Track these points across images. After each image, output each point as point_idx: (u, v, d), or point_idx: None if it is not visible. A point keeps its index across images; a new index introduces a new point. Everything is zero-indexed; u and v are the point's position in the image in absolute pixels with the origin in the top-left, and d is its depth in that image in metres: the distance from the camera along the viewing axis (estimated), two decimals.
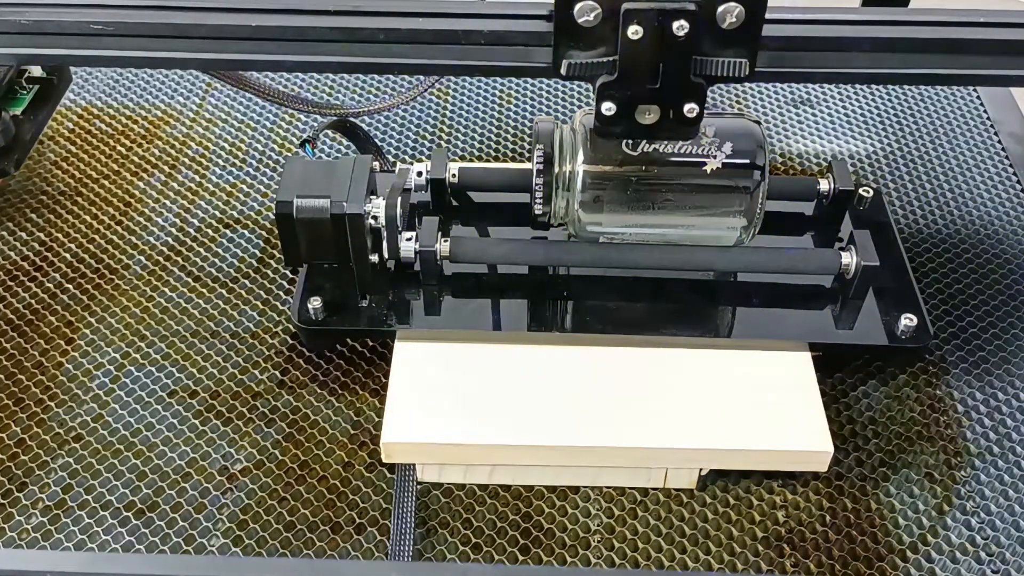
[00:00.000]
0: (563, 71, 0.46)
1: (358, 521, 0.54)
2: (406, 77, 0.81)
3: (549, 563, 0.52)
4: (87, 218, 0.70)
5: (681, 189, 0.58)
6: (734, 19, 0.44)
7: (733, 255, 0.61)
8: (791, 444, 0.54)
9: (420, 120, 0.79)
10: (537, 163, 0.57)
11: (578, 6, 0.43)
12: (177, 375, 0.60)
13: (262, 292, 0.65)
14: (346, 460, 0.56)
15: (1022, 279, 0.67)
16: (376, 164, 0.60)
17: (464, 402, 0.55)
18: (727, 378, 0.57)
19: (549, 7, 0.45)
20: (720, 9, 0.43)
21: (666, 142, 0.57)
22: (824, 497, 0.55)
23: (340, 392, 0.60)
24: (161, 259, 0.67)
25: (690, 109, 0.47)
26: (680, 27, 0.43)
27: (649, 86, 0.46)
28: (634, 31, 0.44)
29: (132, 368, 0.61)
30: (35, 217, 0.70)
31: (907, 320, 0.58)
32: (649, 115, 0.47)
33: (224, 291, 0.65)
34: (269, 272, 0.66)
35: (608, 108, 0.47)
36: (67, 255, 0.67)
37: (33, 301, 0.64)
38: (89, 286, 0.65)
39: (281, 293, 0.65)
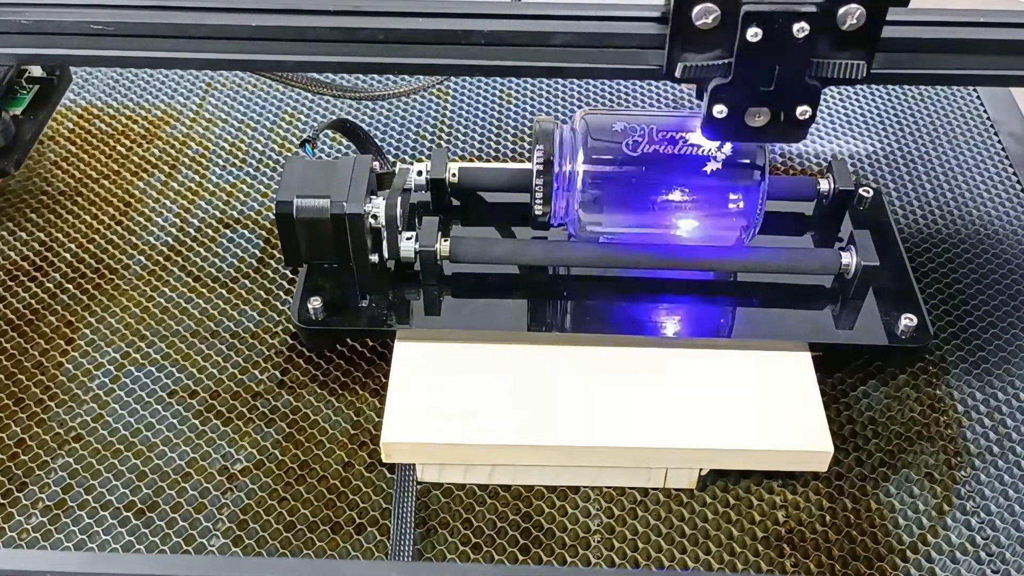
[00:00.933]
0: (678, 74, 0.45)
1: (358, 521, 0.54)
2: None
3: (549, 563, 0.52)
4: (87, 218, 0.70)
5: (681, 189, 0.58)
6: (855, 20, 0.43)
7: (733, 255, 0.61)
8: (791, 444, 0.54)
9: (420, 120, 0.79)
10: (537, 163, 0.58)
11: (697, 8, 0.43)
12: (177, 375, 0.60)
13: (262, 292, 0.65)
14: (346, 460, 0.56)
15: (1022, 279, 0.67)
16: (376, 164, 0.60)
17: (464, 402, 0.55)
18: (727, 378, 0.57)
19: (662, 8, 0.44)
20: (841, 11, 0.43)
21: (667, 142, 0.57)
22: (824, 497, 0.55)
23: (340, 392, 0.60)
24: (161, 259, 0.67)
25: (803, 112, 0.46)
26: (800, 29, 0.43)
27: (763, 88, 0.45)
28: (753, 33, 0.43)
29: (132, 368, 0.61)
30: (35, 217, 0.70)
31: (907, 320, 0.58)
32: (759, 117, 0.46)
33: (224, 291, 0.65)
34: (269, 272, 0.66)
35: (720, 111, 0.46)
36: (67, 255, 0.67)
37: (33, 301, 0.64)
38: (89, 286, 0.65)
39: (281, 293, 0.65)
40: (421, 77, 0.74)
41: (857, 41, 0.44)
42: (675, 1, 0.43)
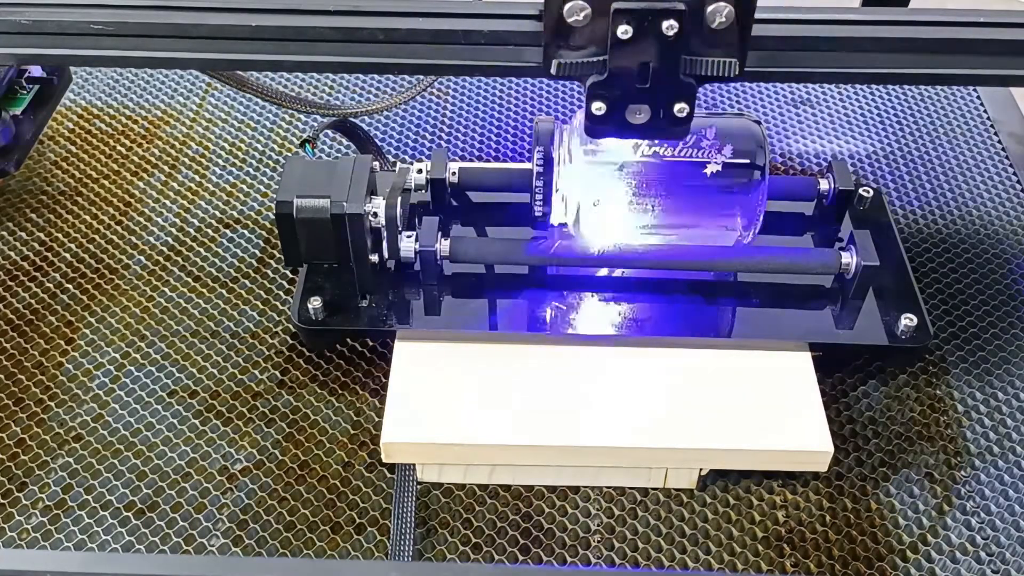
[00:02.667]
0: (553, 71, 0.46)
1: (358, 521, 0.54)
2: (405, 77, 0.81)
3: (549, 563, 0.52)
4: (87, 218, 0.70)
5: (681, 189, 0.58)
6: (723, 19, 0.43)
7: (733, 255, 0.61)
8: (791, 444, 0.54)
9: (420, 120, 0.79)
10: (537, 163, 0.57)
11: (568, 6, 0.43)
12: (177, 375, 0.60)
13: (262, 292, 0.65)
14: (346, 460, 0.56)
15: (1022, 279, 0.67)
16: (376, 164, 0.60)
17: (464, 402, 0.55)
18: (727, 378, 0.57)
19: (540, 7, 0.45)
20: (709, 9, 0.43)
21: (667, 142, 0.57)
22: (824, 497, 0.55)
23: (340, 392, 0.60)
24: (161, 259, 0.67)
25: (680, 109, 0.47)
26: (669, 27, 0.43)
27: (639, 86, 0.46)
28: (623, 31, 0.43)
29: (132, 368, 0.61)
30: (35, 217, 0.70)
31: (907, 320, 0.58)
32: (640, 115, 0.47)
33: (224, 291, 0.65)
34: (269, 272, 0.66)
35: (598, 108, 0.47)
36: (67, 255, 0.67)
37: (33, 301, 0.64)
38: (89, 286, 0.65)
39: (281, 293, 0.65)
40: (407, 85, 0.74)
41: (727, 39, 0.44)
42: None
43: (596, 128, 0.48)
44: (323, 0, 0.47)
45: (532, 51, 0.46)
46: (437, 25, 0.46)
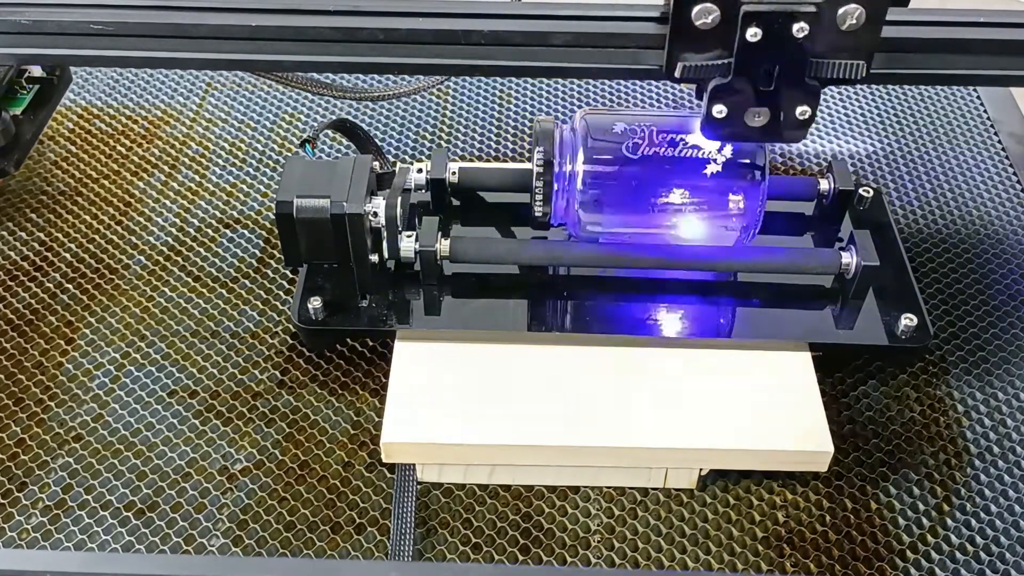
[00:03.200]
0: (677, 74, 0.45)
1: (358, 521, 0.54)
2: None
3: (549, 563, 0.52)
4: (87, 218, 0.70)
5: (681, 189, 0.58)
6: (854, 20, 0.43)
7: (733, 255, 0.61)
8: (791, 444, 0.54)
9: (420, 120, 0.79)
10: (537, 163, 0.58)
11: (696, 8, 0.43)
12: (177, 375, 0.60)
13: (262, 292, 0.65)
14: (346, 460, 0.56)
15: (1022, 279, 0.67)
16: (376, 164, 0.60)
17: (464, 402, 0.55)
18: (727, 378, 0.57)
19: (663, 8, 0.44)
20: (841, 11, 0.43)
21: (667, 142, 0.57)
22: (824, 497, 0.55)
23: (340, 392, 0.60)
24: (161, 259, 0.67)
25: (802, 112, 0.46)
26: (800, 29, 0.43)
27: (763, 88, 0.45)
28: (753, 33, 0.43)
29: (132, 368, 0.61)
30: (35, 217, 0.70)
31: (907, 320, 0.58)
32: (759, 117, 0.46)
33: (224, 291, 0.65)
34: (269, 272, 0.66)
35: (719, 111, 0.46)
36: (67, 255, 0.67)
37: (33, 301, 0.64)
38: (89, 286, 0.65)
39: (281, 293, 0.65)
40: (421, 77, 0.74)
41: (857, 41, 0.44)
42: (675, 1, 0.43)
43: (714, 130, 0.47)
44: (323, 0, 0.47)
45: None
46: (437, 25, 0.46)
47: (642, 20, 0.46)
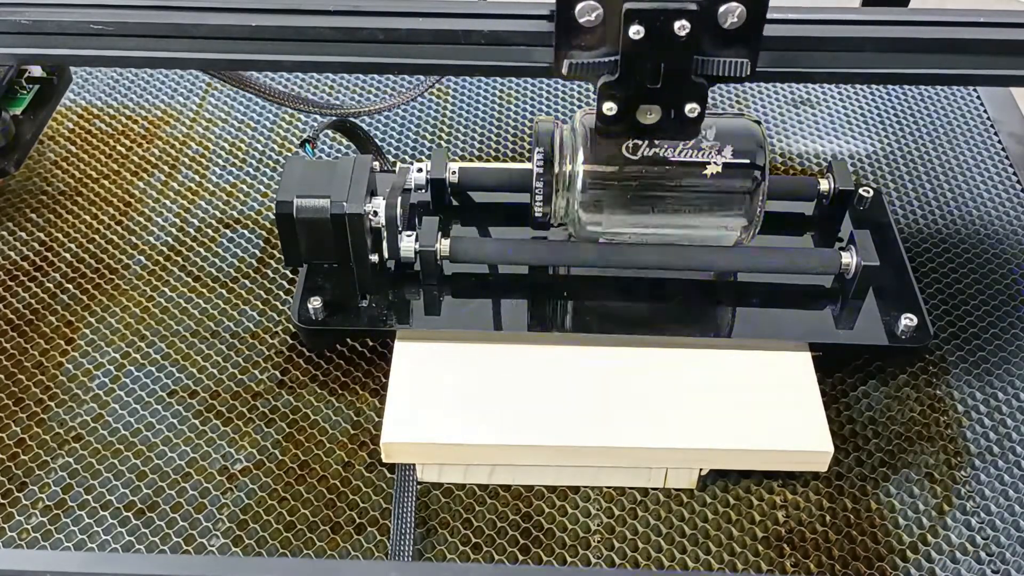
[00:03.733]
0: (564, 71, 0.45)
1: (358, 521, 0.54)
2: (406, 77, 0.81)
3: (549, 563, 0.52)
4: (87, 218, 0.70)
5: (681, 189, 0.58)
6: (735, 19, 0.43)
7: (733, 255, 0.61)
8: (791, 444, 0.54)
9: (420, 120, 0.79)
10: (537, 163, 0.57)
11: (579, 6, 0.43)
12: (177, 375, 0.60)
13: (262, 292, 0.65)
14: (346, 460, 0.56)
15: (1022, 279, 0.67)
16: (376, 164, 0.60)
17: (464, 402, 0.55)
18: (727, 378, 0.57)
19: (550, 7, 0.45)
20: (721, 9, 0.43)
21: (667, 142, 0.57)
22: (824, 497, 0.55)
23: (340, 392, 0.60)
24: (161, 259, 0.67)
25: (691, 109, 0.47)
26: (681, 27, 0.43)
27: (650, 86, 0.46)
28: (635, 31, 0.43)
29: (132, 368, 0.61)
30: (35, 217, 0.70)
31: (907, 320, 0.58)
32: (651, 115, 0.47)
33: (224, 291, 0.65)
34: (269, 272, 0.66)
35: (609, 108, 0.47)
36: (67, 255, 0.67)
37: (33, 301, 0.64)
38: (89, 286, 0.65)
39: (281, 293, 0.65)
40: (408, 86, 0.74)
41: (739, 39, 0.44)
42: None
43: (607, 128, 0.48)
44: (323, 0, 0.47)
45: (542, 51, 0.46)
46: (437, 25, 0.46)
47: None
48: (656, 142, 0.57)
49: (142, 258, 0.67)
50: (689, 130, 0.48)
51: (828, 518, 0.54)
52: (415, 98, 0.74)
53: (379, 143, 0.74)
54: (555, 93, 0.82)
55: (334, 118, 0.69)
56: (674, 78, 0.46)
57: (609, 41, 0.45)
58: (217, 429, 0.58)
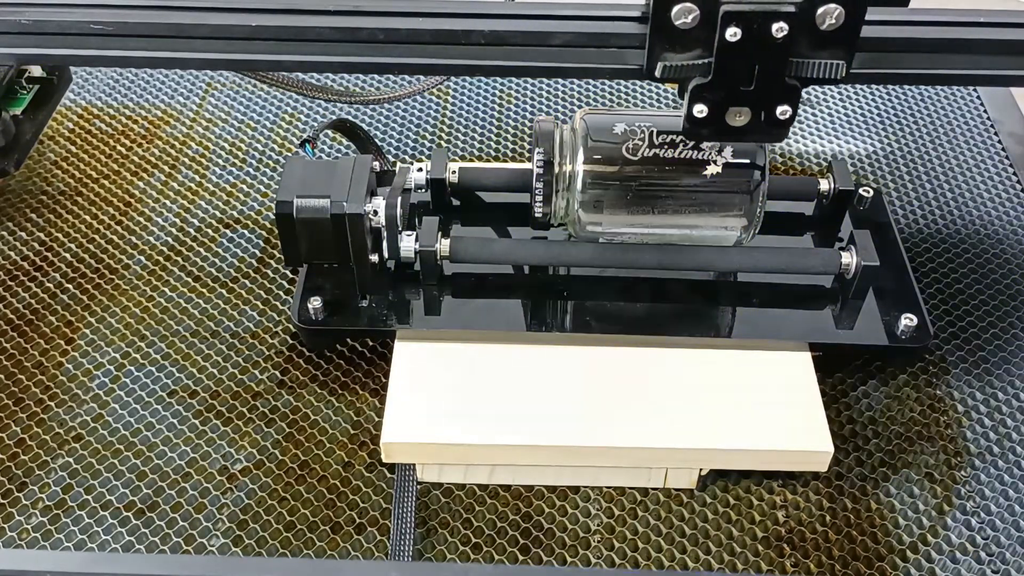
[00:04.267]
0: (658, 74, 0.45)
1: (358, 521, 0.54)
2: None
3: (549, 563, 0.52)
4: (87, 218, 0.70)
5: (681, 189, 0.58)
6: (833, 20, 0.43)
7: (733, 255, 0.61)
8: (791, 444, 0.54)
9: (420, 120, 0.79)
10: (537, 163, 0.57)
11: (676, 8, 0.43)
12: (177, 375, 0.60)
13: (262, 292, 0.65)
14: (346, 460, 0.56)
15: (1022, 279, 0.67)
16: (376, 164, 0.60)
17: (464, 402, 0.55)
18: (727, 378, 0.57)
19: (644, 8, 0.44)
20: (820, 11, 0.43)
21: (667, 142, 0.57)
22: (824, 497, 0.55)
23: (340, 392, 0.60)
24: (161, 259, 0.67)
25: (783, 111, 0.46)
26: (779, 29, 0.43)
27: (743, 88, 0.46)
28: (732, 33, 0.43)
29: (132, 368, 0.61)
30: (35, 217, 0.70)
31: (907, 320, 0.58)
32: (740, 117, 0.47)
33: (224, 291, 0.65)
34: (269, 272, 0.66)
35: (700, 110, 0.46)
36: (67, 255, 0.67)
37: (33, 301, 0.64)
38: (89, 286, 0.65)
39: (281, 293, 0.65)
40: (417, 80, 0.74)
41: (836, 41, 0.44)
42: (654, 1, 0.43)
43: (695, 130, 0.47)
44: (323, 0, 0.47)
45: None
46: (437, 25, 0.46)
47: (623, 20, 0.46)
48: (656, 142, 0.57)
49: (142, 258, 0.67)
50: (778, 132, 0.47)
51: (828, 518, 0.54)
52: (427, 89, 0.73)
53: (379, 143, 0.74)
54: (555, 93, 0.82)
55: (334, 118, 0.69)
56: (768, 80, 0.45)
57: (703, 43, 0.44)
58: (217, 429, 0.58)
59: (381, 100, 0.71)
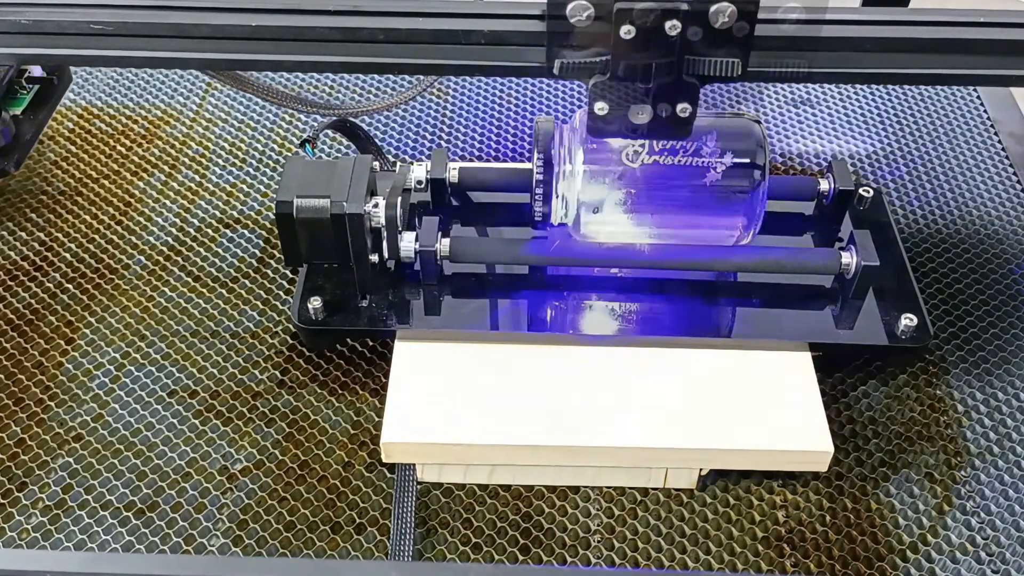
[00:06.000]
0: (556, 71, 0.46)
1: (358, 521, 0.54)
2: (406, 77, 0.81)
3: (549, 563, 0.52)
4: (87, 218, 0.70)
5: (681, 189, 0.58)
6: (726, 19, 0.43)
7: (733, 255, 0.61)
8: (791, 444, 0.54)
9: (420, 120, 0.79)
10: (537, 163, 0.58)
11: (570, 6, 0.43)
12: (177, 375, 0.60)
13: (262, 292, 0.65)
14: (346, 460, 0.56)
15: (1022, 279, 0.67)
16: (376, 164, 0.60)
17: (464, 402, 0.55)
18: (727, 378, 0.57)
19: (542, 7, 0.45)
20: (712, 9, 0.43)
21: (667, 142, 0.57)
22: (824, 497, 0.55)
23: (340, 392, 0.60)
24: (161, 259, 0.67)
25: (683, 109, 0.47)
26: (672, 27, 0.43)
27: (642, 86, 0.46)
28: (626, 30, 0.43)
29: (132, 368, 0.61)
30: (35, 217, 0.70)
31: (907, 320, 0.58)
32: (642, 115, 0.47)
33: (224, 291, 0.65)
34: (269, 272, 0.66)
35: (601, 108, 0.47)
36: (67, 255, 0.67)
37: (33, 301, 0.64)
38: (89, 286, 0.65)
39: (281, 293, 0.65)
40: (407, 85, 0.74)
41: (731, 39, 0.44)
42: None
43: (599, 128, 0.48)
44: (323, 0, 0.47)
45: (534, 51, 0.46)
46: (437, 25, 0.46)
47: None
48: (656, 141, 0.57)
49: (142, 258, 0.67)
50: (681, 130, 0.48)
51: (828, 518, 0.54)
52: (414, 98, 0.74)
53: (379, 143, 0.74)
54: (555, 93, 0.82)
55: (334, 118, 0.69)
56: (665, 78, 0.46)
57: (600, 41, 0.45)
58: (217, 429, 0.58)
59: (372, 110, 0.71)
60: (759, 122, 0.59)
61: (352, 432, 0.58)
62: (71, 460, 0.56)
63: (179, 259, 0.67)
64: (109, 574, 0.39)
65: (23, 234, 0.69)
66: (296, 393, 0.60)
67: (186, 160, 0.75)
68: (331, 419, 0.58)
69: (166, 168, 0.74)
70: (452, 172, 0.65)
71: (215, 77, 0.68)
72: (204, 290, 0.65)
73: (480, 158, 0.76)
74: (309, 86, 0.82)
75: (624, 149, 0.57)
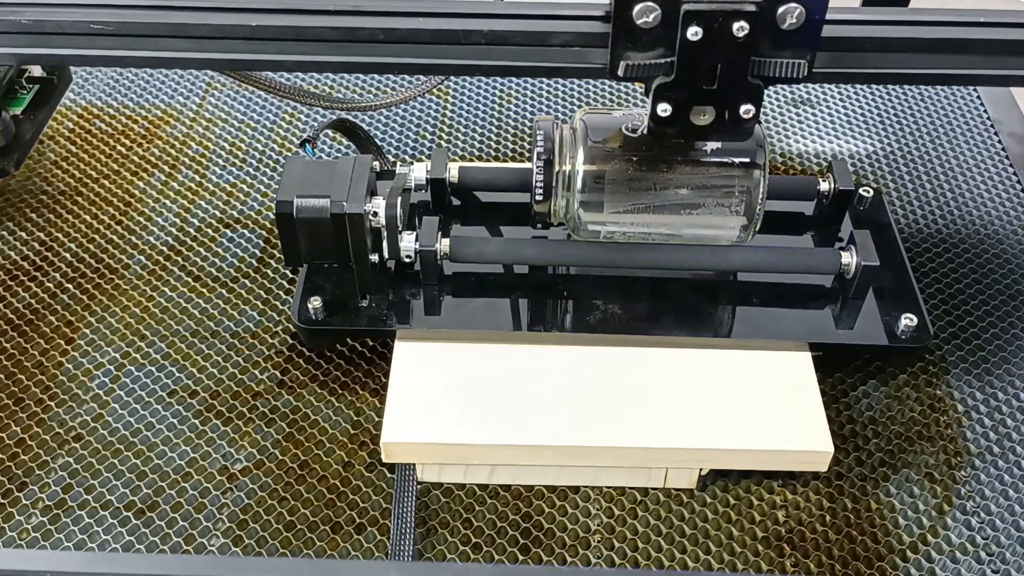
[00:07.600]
0: (620, 73, 0.45)
1: (358, 521, 0.54)
2: (406, 76, 0.81)
3: (549, 563, 0.52)
4: (87, 218, 0.70)
5: (681, 189, 0.58)
6: (794, 20, 0.43)
7: (733, 255, 0.61)
8: (791, 444, 0.54)
9: (420, 120, 0.79)
10: (537, 163, 0.58)
11: (637, 7, 0.43)
12: (177, 375, 0.60)
13: (262, 292, 0.65)
14: (346, 460, 0.56)
15: (1022, 279, 0.67)
16: (376, 164, 0.60)
17: (464, 402, 0.55)
18: (727, 378, 0.57)
19: (607, 8, 0.45)
20: (781, 10, 0.43)
21: (667, 142, 0.57)
22: (824, 497, 0.55)
23: (340, 392, 0.60)
24: (161, 259, 0.67)
25: (746, 110, 0.46)
26: (740, 28, 0.43)
27: (706, 87, 0.46)
28: (693, 32, 0.43)
29: (132, 368, 0.61)
30: (35, 217, 0.70)
31: (907, 320, 0.58)
32: (704, 116, 0.47)
33: (224, 291, 0.65)
34: (269, 272, 0.66)
35: (664, 109, 0.46)
36: (67, 255, 0.67)
37: (33, 301, 0.64)
38: (89, 286, 0.65)
39: (281, 293, 0.65)
40: (409, 85, 0.74)
41: (798, 40, 0.44)
42: (616, 0, 0.43)
43: (660, 129, 0.47)
44: (323, 0, 0.47)
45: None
46: (437, 25, 0.46)
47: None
48: (656, 141, 0.57)
49: (142, 258, 0.67)
50: (742, 131, 0.48)
51: (828, 518, 0.54)
52: (423, 93, 0.74)
53: (379, 143, 0.74)
54: (555, 93, 0.82)
55: (334, 118, 0.69)
56: (730, 79, 0.45)
57: (666, 43, 0.44)
58: (217, 429, 0.58)
59: (378, 107, 0.71)
60: (759, 122, 0.59)
61: (352, 432, 0.58)
62: (71, 460, 0.56)
63: (179, 259, 0.67)
64: (109, 574, 0.39)
65: (23, 234, 0.69)
66: (296, 393, 0.60)
67: (186, 160, 0.75)
68: (331, 419, 0.58)
69: (166, 168, 0.74)
70: (452, 172, 0.65)
71: (225, 74, 0.67)
72: (204, 290, 0.65)
73: (480, 158, 0.76)
74: (309, 86, 0.82)
75: (624, 148, 0.57)
